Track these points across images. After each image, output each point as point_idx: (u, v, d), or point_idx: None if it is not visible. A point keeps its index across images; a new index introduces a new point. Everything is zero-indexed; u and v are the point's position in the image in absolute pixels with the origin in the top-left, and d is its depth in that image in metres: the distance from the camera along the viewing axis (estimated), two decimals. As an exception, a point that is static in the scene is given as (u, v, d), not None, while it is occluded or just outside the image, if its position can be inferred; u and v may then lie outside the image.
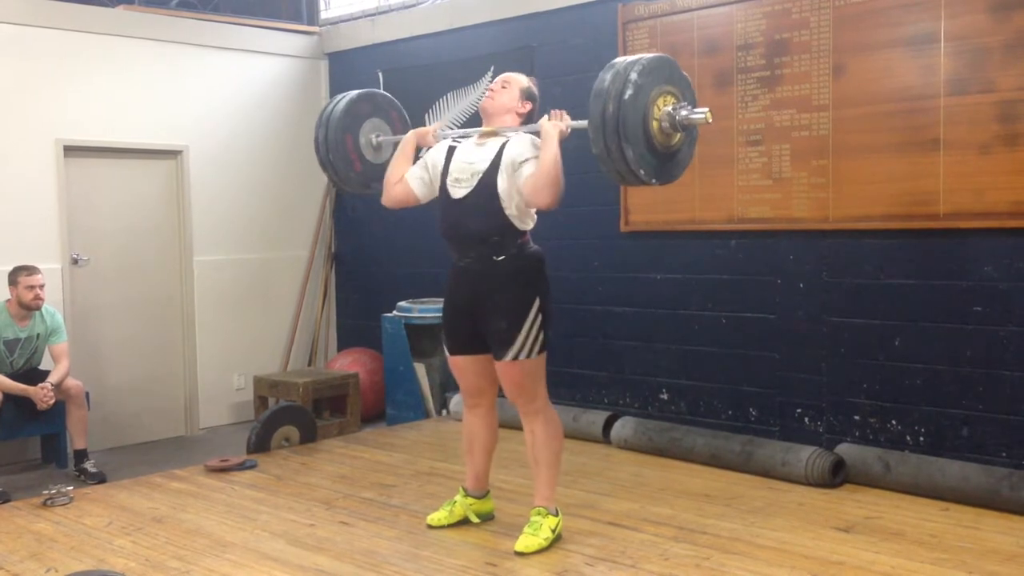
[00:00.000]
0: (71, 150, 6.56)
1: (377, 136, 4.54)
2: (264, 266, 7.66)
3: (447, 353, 4.17)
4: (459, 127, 6.91)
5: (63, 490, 4.80)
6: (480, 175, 3.88)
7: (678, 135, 3.66)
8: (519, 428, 4.26)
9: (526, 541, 3.88)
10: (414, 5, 7.53)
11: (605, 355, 6.16)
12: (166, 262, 7.12)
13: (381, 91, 4.74)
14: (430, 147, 4.21)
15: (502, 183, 3.83)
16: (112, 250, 6.82)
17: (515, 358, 3.88)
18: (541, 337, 3.92)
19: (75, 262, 6.60)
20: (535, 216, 3.96)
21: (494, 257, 3.90)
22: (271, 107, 7.69)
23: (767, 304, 5.43)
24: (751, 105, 5.40)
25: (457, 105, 7.01)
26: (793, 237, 5.31)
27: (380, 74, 7.50)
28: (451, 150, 4.05)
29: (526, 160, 3.79)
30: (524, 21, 6.60)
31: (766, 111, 5.35)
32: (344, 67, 7.86)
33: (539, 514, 3.96)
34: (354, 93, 4.55)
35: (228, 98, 7.41)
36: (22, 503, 4.87)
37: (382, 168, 4.45)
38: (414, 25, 7.32)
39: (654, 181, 3.67)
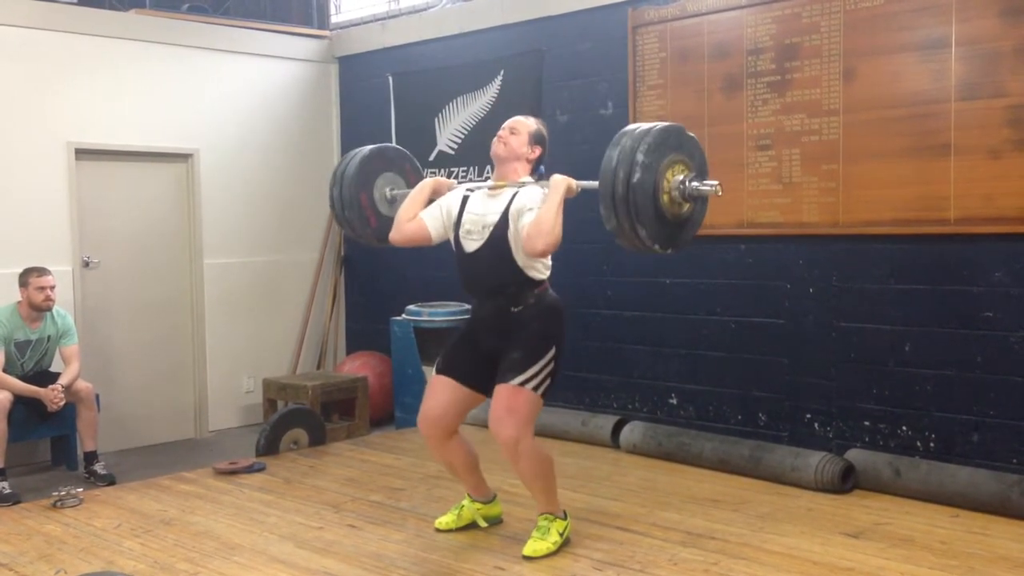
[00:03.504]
0: (82, 153, 6.59)
1: (391, 190, 4.55)
2: (274, 269, 7.68)
3: (435, 371, 4.11)
4: (467, 132, 6.93)
5: (72, 492, 4.82)
6: (491, 228, 3.88)
7: (688, 204, 3.66)
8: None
9: (534, 545, 3.88)
10: (424, 9, 7.54)
11: (614, 359, 6.15)
12: (176, 265, 7.14)
13: (393, 144, 4.75)
14: (441, 195, 4.18)
15: (512, 235, 3.83)
16: (123, 252, 6.85)
17: (522, 384, 3.81)
18: (547, 383, 3.88)
19: (86, 264, 6.63)
20: (549, 264, 3.96)
21: (512, 308, 3.90)
22: (281, 110, 7.71)
23: (776, 309, 5.42)
24: (761, 110, 5.40)
25: (467, 109, 7.01)
26: (803, 242, 5.30)
27: (390, 78, 7.52)
28: (465, 199, 4.03)
29: (531, 209, 3.77)
30: (534, 25, 6.60)
31: (776, 116, 5.34)
32: (354, 71, 7.89)
33: (546, 519, 3.96)
34: (366, 150, 4.55)
35: (239, 101, 7.43)
36: (32, 505, 4.89)
37: None
38: (424, 29, 7.34)
39: (669, 251, 3.70)
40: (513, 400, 3.83)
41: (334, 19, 8.32)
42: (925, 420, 4.89)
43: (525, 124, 4.04)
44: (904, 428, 4.95)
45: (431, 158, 7.29)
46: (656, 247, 3.61)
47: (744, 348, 5.56)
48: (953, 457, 4.74)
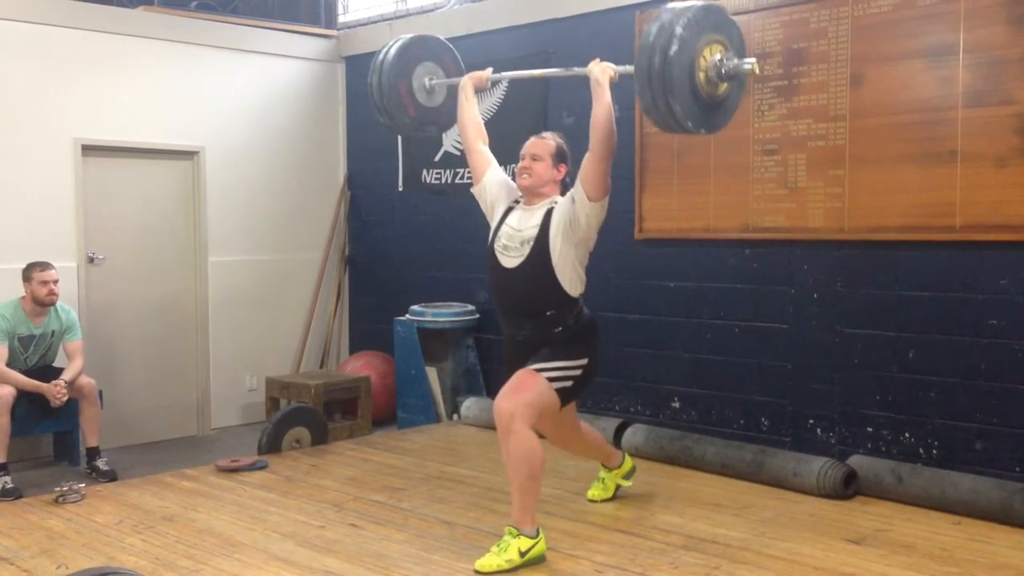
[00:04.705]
0: (89, 149, 6.60)
1: (430, 80, 4.54)
2: (278, 268, 7.68)
3: None
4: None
5: (75, 487, 4.82)
6: (531, 243, 3.90)
7: (725, 85, 3.64)
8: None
9: (486, 559, 3.75)
10: (432, 10, 7.55)
11: (617, 362, 6.14)
12: (181, 262, 7.15)
13: (433, 35, 4.76)
14: (486, 88, 4.36)
15: (555, 248, 3.86)
16: (128, 249, 6.86)
17: (538, 370, 3.86)
18: (567, 384, 3.90)
19: (91, 260, 6.63)
20: (584, 277, 4.00)
21: (552, 330, 3.94)
22: (288, 109, 7.72)
23: (780, 314, 5.42)
24: (768, 114, 5.40)
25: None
26: (808, 247, 5.30)
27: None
28: (509, 209, 4.08)
29: (572, 200, 3.87)
30: (542, 27, 6.61)
31: (783, 120, 5.34)
32: (361, 71, 7.87)
33: (511, 533, 3.80)
34: (406, 37, 4.55)
35: (245, 100, 7.44)
36: (34, 500, 4.90)
37: (435, 112, 4.60)
38: (431, 30, 7.25)
39: (702, 131, 3.68)
40: (523, 381, 3.85)
41: (341, 19, 8.32)
42: (928, 427, 4.88)
43: (545, 145, 4.03)
44: (907, 435, 4.95)
45: (436, 159, 7.30)
46: (689, 124, 3.59)
47: (747, 352, 5.56)
48: (956, 464, 4.73)
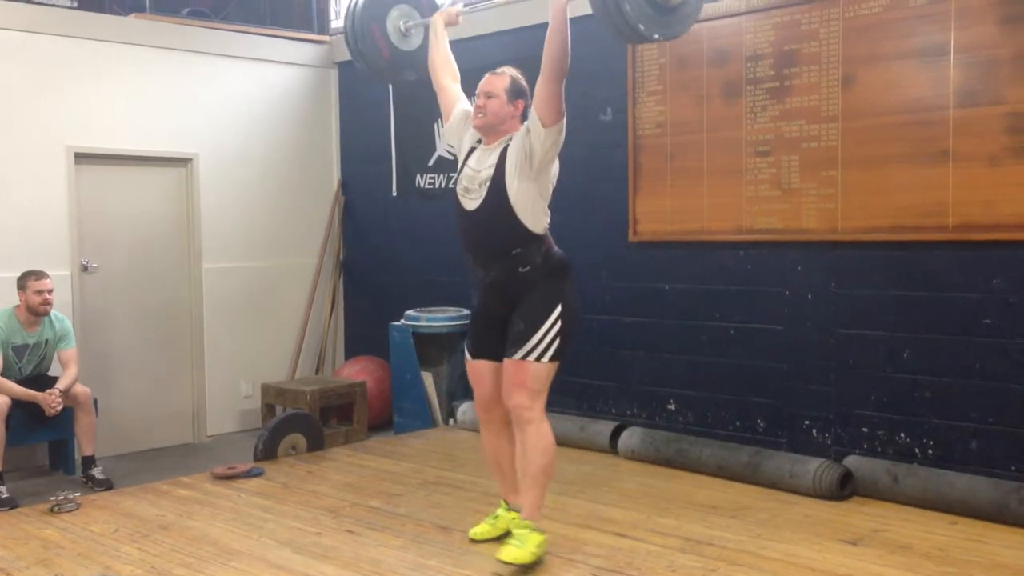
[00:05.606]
0: (82, 157, 6.59)
1: (405, 22, 4.51)
2: (273, 274, 7.67)
3: (468, 356, 4.10)
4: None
5: (70, 496, 4.81)
6: (487, 183, 3.82)
7: None
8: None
9: (513, 552, 3.74)
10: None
11: (613, 365, 6.15)
12: (175, 269, 7.14)
13: None
14: (456, 24, 4.28)
15: (512, 187, 3.76)
16: (122, 257, 6.85)
17: (524, 357, 3.78)
18: (556, 345, 3.80)
19: (85, 269, 6.62)
20: (548, 212, 3.89)
21: (519, 270, 3.84)
22: (281, 115, 7.71)
23: (775, 315, 5.42)
24: (760, 116, 5.40)
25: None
26: (801, 248, 5.30)
27: (389, 84, 7.52)
28: (471, 151, 3.99)
29: (527, 131, 3.74)
30: (534, 31, 6.57)
31: (775, 122, 5.35)
32: (354, 76, 7.88)
33: (526, 527, 3.80)
34: None
35: (238, 106, 7.44)
36: (29, 509, 4.88)
37: (412, 55, 4.55)
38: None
39: (656, 36, 3.52)
40: (518, 375, 3.80)
41: (334, 24, 8.31)
42: (924, 427, 4.89)
43: (499, 81, 3.91)
44: (902, 435, 4.95)
45: (430, 163, 7.30)
46: (641, 27, 3.43)
47: (743, 354, 5.56)
48: (952, 464, 4.73)
